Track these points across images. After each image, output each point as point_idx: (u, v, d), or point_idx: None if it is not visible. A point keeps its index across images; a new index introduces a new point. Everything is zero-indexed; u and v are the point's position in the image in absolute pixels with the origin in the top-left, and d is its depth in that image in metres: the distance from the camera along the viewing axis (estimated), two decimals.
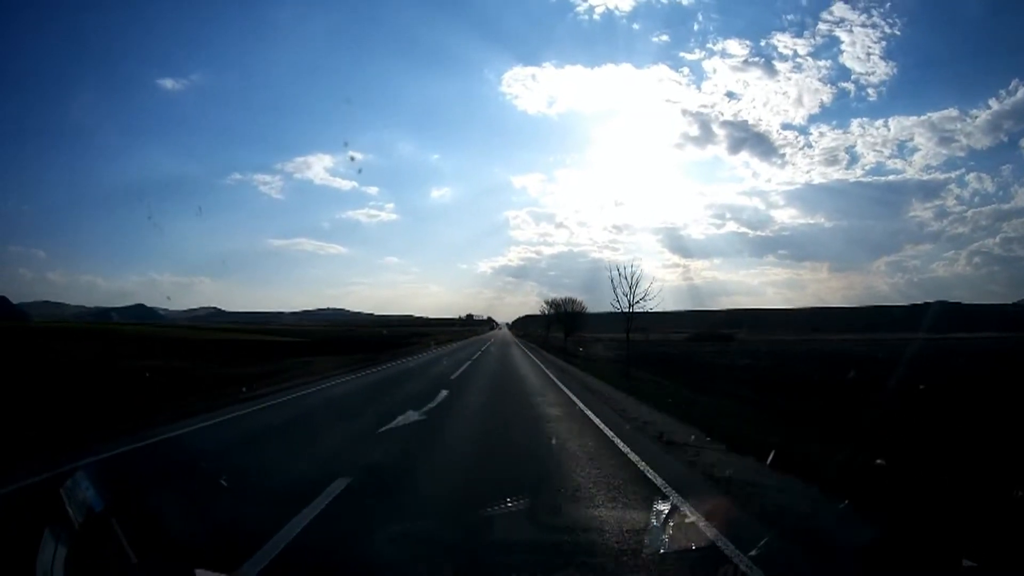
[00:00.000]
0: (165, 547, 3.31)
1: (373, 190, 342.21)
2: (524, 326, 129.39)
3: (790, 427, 8.34)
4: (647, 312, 19.48)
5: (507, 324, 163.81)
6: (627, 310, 19.35)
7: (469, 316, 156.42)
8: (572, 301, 50.22)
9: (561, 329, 50.82)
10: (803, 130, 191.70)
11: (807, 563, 3.56)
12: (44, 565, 2.29)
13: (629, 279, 19.29)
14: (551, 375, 18.29)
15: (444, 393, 11.72)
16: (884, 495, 4.57)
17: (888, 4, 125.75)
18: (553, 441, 7.42)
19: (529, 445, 7.31)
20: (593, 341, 46.70)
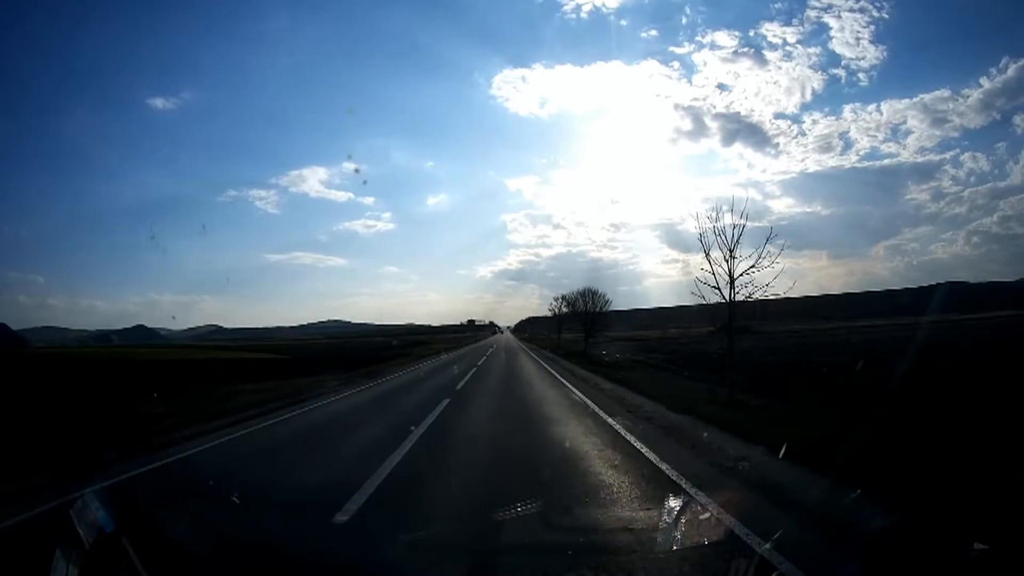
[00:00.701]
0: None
1: (369, 200, 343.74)
2: (527, 329, 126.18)
3: None
4: (751, 299, 10.63)
5: (508, 328, 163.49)
6: (727, 286, 10.83)
7: (471, 321, 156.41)
8: (593, 293, 41.24)
9: (574, 330, 45.57)
10: (796, 119, 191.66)
11: None
12: None
13: (729, 239, 10.76)
14: (624, 432, 7.71)
15: None
16: None
17: None
18: None
19: None
20: (605, 342, 42.74)
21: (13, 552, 3.99)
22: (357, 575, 3.52)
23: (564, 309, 46.40)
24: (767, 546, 3.42)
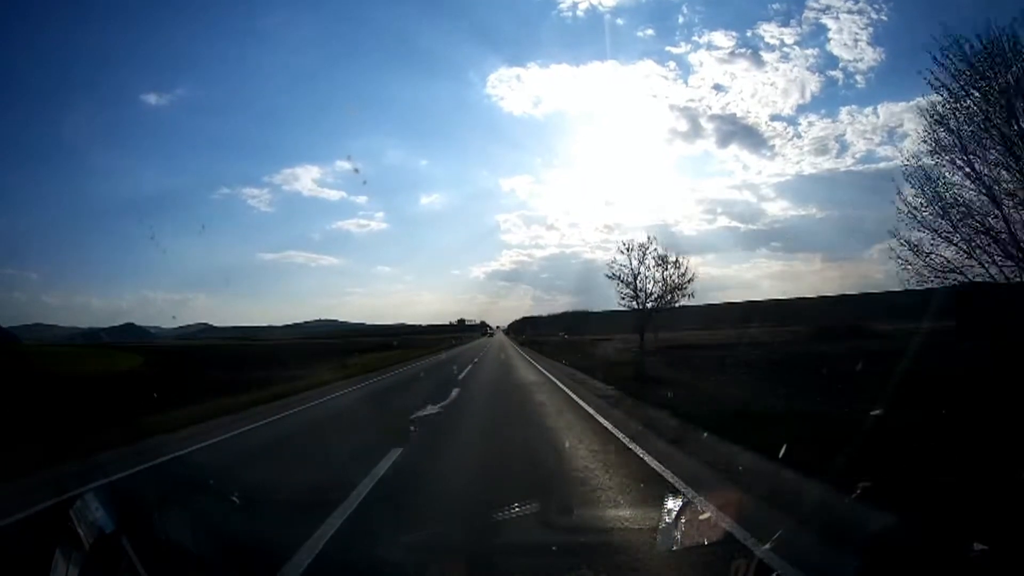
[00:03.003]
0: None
1: (362, 199, 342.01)
2: (524, 329, 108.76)
3: None
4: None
5: (501, 328, 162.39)
6: None
7: (461, 321, 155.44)
8: None
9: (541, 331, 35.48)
10: (792, 120, 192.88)
11: None
12: None
13: None
14: None
15: None
16: None
17: None
18: None
19: None
20: (600, 342, 34.95)
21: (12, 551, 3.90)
22: None
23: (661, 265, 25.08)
24: None
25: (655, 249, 26.22)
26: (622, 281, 26.76)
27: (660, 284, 25.97)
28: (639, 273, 26.34)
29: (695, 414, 8.48)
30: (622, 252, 27.18)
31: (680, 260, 25.83)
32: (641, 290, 26.20)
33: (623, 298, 27.14)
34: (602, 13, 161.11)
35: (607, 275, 27.43)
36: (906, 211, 10.50)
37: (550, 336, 57.50)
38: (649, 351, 26.28)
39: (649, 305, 26.42)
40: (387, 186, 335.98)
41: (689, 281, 25.63)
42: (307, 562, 3.54)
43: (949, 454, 5.23)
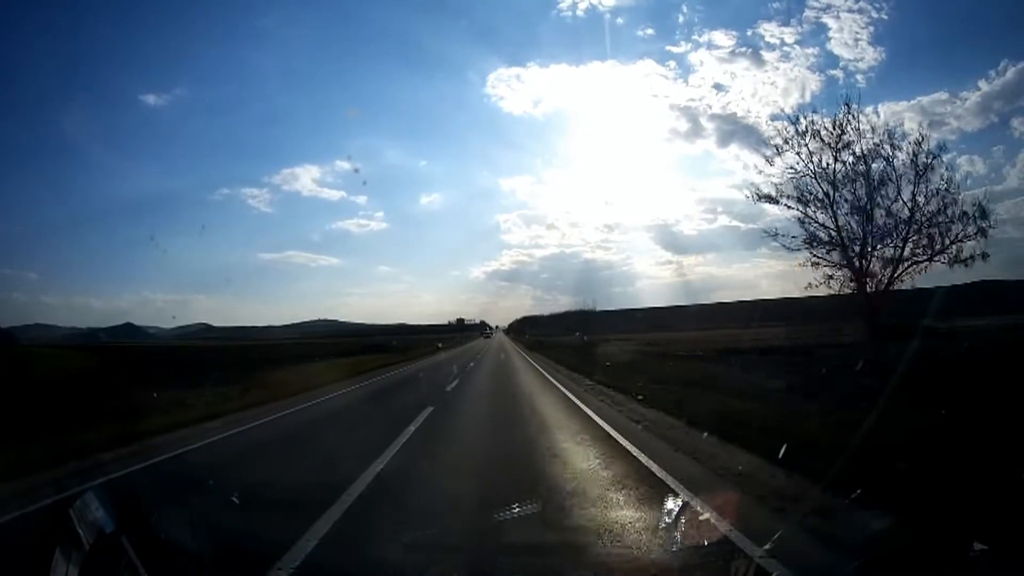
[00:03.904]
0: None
1: (362, 199, 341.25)
2: (525, 329, 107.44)
3: None
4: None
5: (500, 328, 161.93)
6: None
7: (460, 321, 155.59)
8: None
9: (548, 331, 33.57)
10: (793, 120, 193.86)
11: None
12: None
13: None
14: None
15: None
16: None
17: None
18: None
19: None
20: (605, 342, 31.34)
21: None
22: None
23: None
24: None
25: (864, 127, 10.74)
26: (804, 205, 11.04)
27: (915, 203, 10.09)
28: (836, 189, 10.67)
29: None
30: (787, 142, 11.39)
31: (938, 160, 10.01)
32: (866, 219, 10.49)
33: (811, 247, 11.37)
34: (602, 12, 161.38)
35: (753, 197, 11.46)
36: None
37: (557, 337, 45.97)
38: (699, 355, 15.72)
39: (890, 252, 10.85)
40: (387, 186, 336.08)
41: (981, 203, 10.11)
42: None
43: None
